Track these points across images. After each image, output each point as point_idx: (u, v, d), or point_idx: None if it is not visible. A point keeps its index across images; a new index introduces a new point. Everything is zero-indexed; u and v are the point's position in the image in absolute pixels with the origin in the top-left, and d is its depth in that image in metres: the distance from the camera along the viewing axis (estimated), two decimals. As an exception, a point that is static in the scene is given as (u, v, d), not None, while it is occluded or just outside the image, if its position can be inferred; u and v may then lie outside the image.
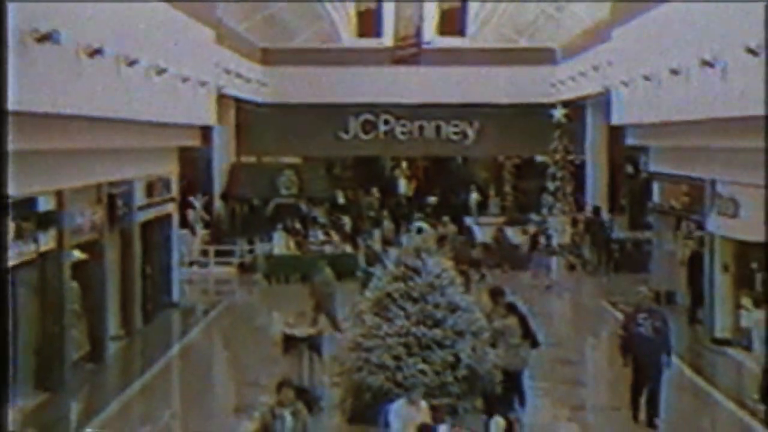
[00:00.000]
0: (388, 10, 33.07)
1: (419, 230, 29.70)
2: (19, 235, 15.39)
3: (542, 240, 34.02)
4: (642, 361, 15.60)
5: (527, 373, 16.41)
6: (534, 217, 36.81)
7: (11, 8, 11.43)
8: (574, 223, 34.84)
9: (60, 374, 17.89)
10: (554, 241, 34.13)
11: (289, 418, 11.06)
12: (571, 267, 33.06)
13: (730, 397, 17.66)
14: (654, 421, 15.50)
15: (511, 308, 16.61)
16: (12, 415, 13.03)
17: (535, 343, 16.45)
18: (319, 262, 23.91)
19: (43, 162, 16.07)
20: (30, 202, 16.19)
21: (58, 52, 13.20)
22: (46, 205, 17.12)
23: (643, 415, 15.64)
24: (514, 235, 35.22)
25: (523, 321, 16.28)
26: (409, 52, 30.67)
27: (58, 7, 13.53)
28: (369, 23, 28.22)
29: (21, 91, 12.41)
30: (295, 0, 32.64)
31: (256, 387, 18.31)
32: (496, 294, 17.11)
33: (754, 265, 20.29)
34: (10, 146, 13.84)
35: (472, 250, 29.96)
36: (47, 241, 17.19)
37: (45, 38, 12.69)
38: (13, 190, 14.86)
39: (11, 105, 12.29)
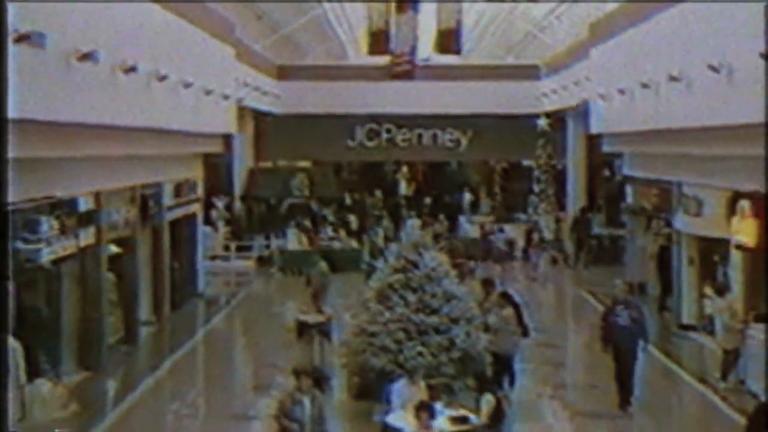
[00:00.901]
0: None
1: (423, 226, 29.88)
2: (63, 231, 15.47)
3: (536, 236, 34.08)
4: (621, 348, 15.56)
5: (518, 357, 16.47)
6: (521, 216, 36.94)
7: (53, 31, 11.46)
8: (557, 221, 34.98)
9: (98, 355, 18.01)
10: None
11: (307, 404, 11.01)
12: (554, 260, 33.16)
13: (695, 376, 17.78)
14: (628, 401, 15.43)
15: (507, 298, 16.69)
16: (58, 390, 13.13)
17: (525, 333, 16.53)
18: (315, 256, 23.96)
19: (83, 167, 16.18)
20: (72, 202, 16.26)
21: (97, 69, 13.30)
22: (86, 204, 17.20)
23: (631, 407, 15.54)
24: (506, 230, 35.34)
25: (517, 310, 16.37)
26: (404, 69, 30.74)
27: (97, 30, 13.64)
28: (380, 42, 28.26)
29: (64, 104, 12.52)
30: (300, 1, 32.49)
31: (273, 368, 18.41)
32: (487, 284, 17.19)
33: (716, 259, 20.40)
34: (56, 153, 14.03)
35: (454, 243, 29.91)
36: (87, 237, 17.29)
37: (86, 57, 12.78)
38: (58, 191, 15.04)
39: (58, 116, 12.42)
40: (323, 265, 22.56)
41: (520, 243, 34.41)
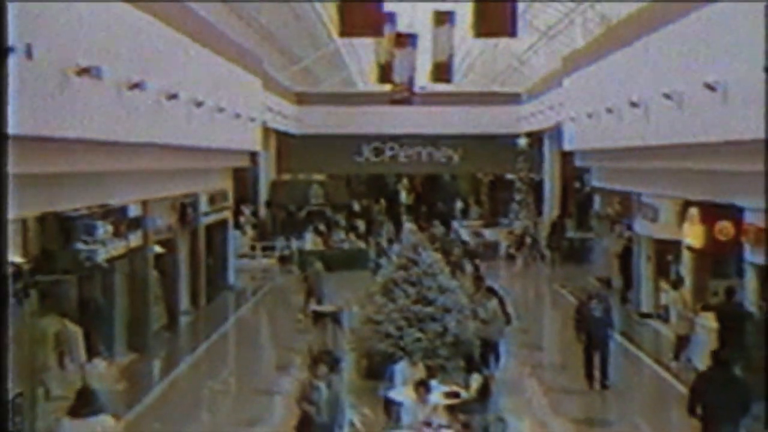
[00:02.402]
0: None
1: (422, 229, 29.79)
2: (116, 234, 15.53)
3: (528, 240, 34.01)
4: (594, 336, 15.63)
5: (502, 341, 16.48)
6: (503, 220, 36.98)
7: (109, 64, 11.56)
8: (535, 225, 35.00)
9: (145, 339, 18.12)
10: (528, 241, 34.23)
11: (323, 389, 10.82)
12: (533, 259, 33.17)
13: (652, 357, 17.88)
14: (605, 383, 15.55)
15: (492, 291, 16.72)
16: (112, 369, 13.22)
17: (508, 321, 16.52)
18: (311, 257, 23.81)
19: (132, 179, 16.27)
20: (123, 209, 16.35)
21: (143, 95, 13.42)
22: (135, 211, 17.27)
23: (596, 384, 15.61)
24: (491, 233, 35.33)
25: (501, 302, 16.39)
26: (403, 95, 30.87)
27: (146, 63, 13.76)
28: (388, 73, 28.48)
29: (117, 125, 12.63)
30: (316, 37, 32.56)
31: (292, 351, 18.50)
32: (478, 280, 17.21)
33: (670, 258, 20.46)
34: (110, 168, 14.13)
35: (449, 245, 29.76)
36: (136, 239, 17.35)
37: (135, 86, 12.89)
38: (111, 200, 15.14)
39: (115, 137, 12.53)
40: (319, 265, 22.38)
41: (503, 244, 34.37)
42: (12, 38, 8.40)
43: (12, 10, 8.58)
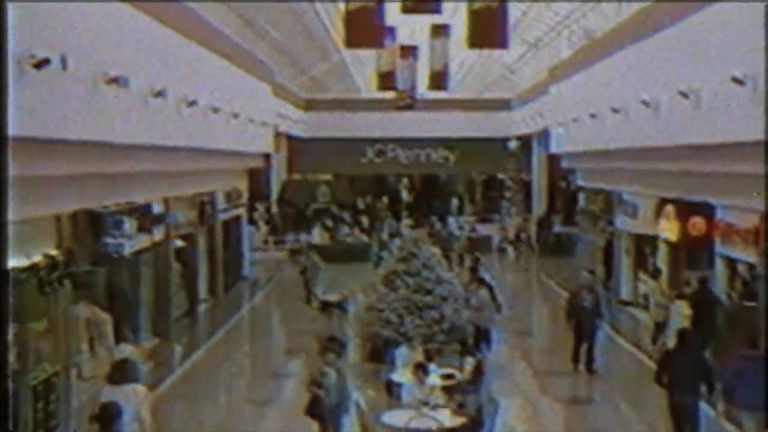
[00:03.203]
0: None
1: (414, 225, 29.87)
2: (141, 229, 15.62)
3: (524, 236, 34.00)
4: (584, 324, 15.74)
5: (494, 328, 16.53)
6: (495, 216, 37.06)
7: (133, 73, 11.62)
8: (524, 221, 35.05)
9: (167, 325, 18.20)
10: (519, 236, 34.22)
11: (332, 375, 10.74)
12: (522, 252, 33.17)
13: (631, 342, 17.95)
14: (593, 367, 15.66)
15: (482, 281, 16.77)
16: (138, 352, 13.29)
17: (499, 309, 16.61)
18: (309, 252, 23.89)
19: (156, 178, 16.31)
20: (147, 206, 16.46)
21: (166, 103, 13.47)
22: (158, 208, 17.36)
23: (581, 365, 15.69)
24: (484, 229, 35.38)
25: (491, 291, 16.47)
26: (406, 102, 31.05)
27: (166, 72, 13.83)
28: (389, 81, 28.69)
29: (142, 129, 12.71)
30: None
31: (302, 335, 18.54)
32: (473, 271, 17.25)
33: (647, 251, 20.55)
34: (135, 168, 14.19)
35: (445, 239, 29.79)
36: (159, 233, 17.44)
37: (158, 94, 12.94)
38: (137, 198, 15.23)
39: (139, 140, 12.61)
40: (316, 258, 22.46)
41: (496, 238, 34.41)
42: (47, 50, 8.55)
43: (48, 24, 8.72)
